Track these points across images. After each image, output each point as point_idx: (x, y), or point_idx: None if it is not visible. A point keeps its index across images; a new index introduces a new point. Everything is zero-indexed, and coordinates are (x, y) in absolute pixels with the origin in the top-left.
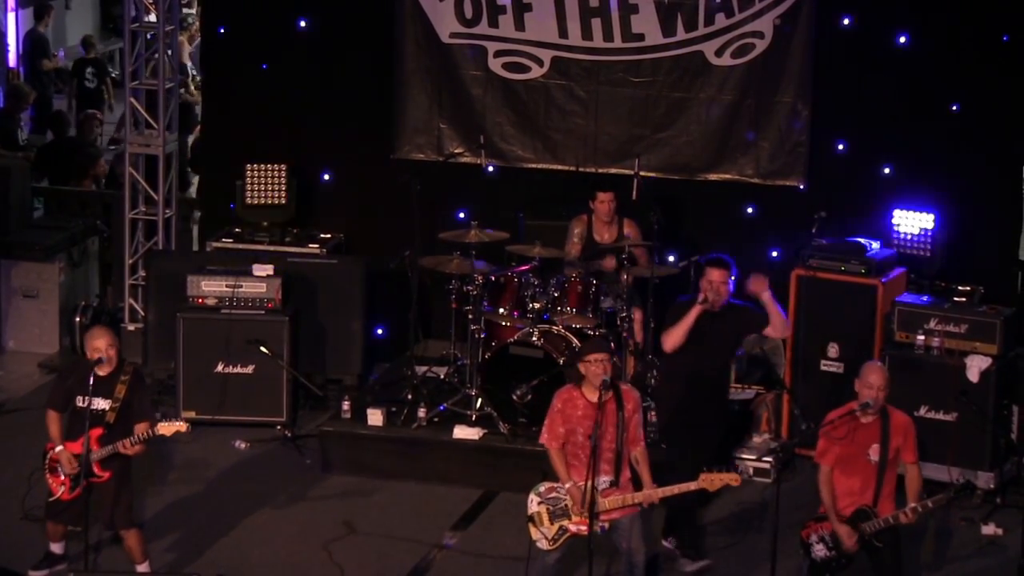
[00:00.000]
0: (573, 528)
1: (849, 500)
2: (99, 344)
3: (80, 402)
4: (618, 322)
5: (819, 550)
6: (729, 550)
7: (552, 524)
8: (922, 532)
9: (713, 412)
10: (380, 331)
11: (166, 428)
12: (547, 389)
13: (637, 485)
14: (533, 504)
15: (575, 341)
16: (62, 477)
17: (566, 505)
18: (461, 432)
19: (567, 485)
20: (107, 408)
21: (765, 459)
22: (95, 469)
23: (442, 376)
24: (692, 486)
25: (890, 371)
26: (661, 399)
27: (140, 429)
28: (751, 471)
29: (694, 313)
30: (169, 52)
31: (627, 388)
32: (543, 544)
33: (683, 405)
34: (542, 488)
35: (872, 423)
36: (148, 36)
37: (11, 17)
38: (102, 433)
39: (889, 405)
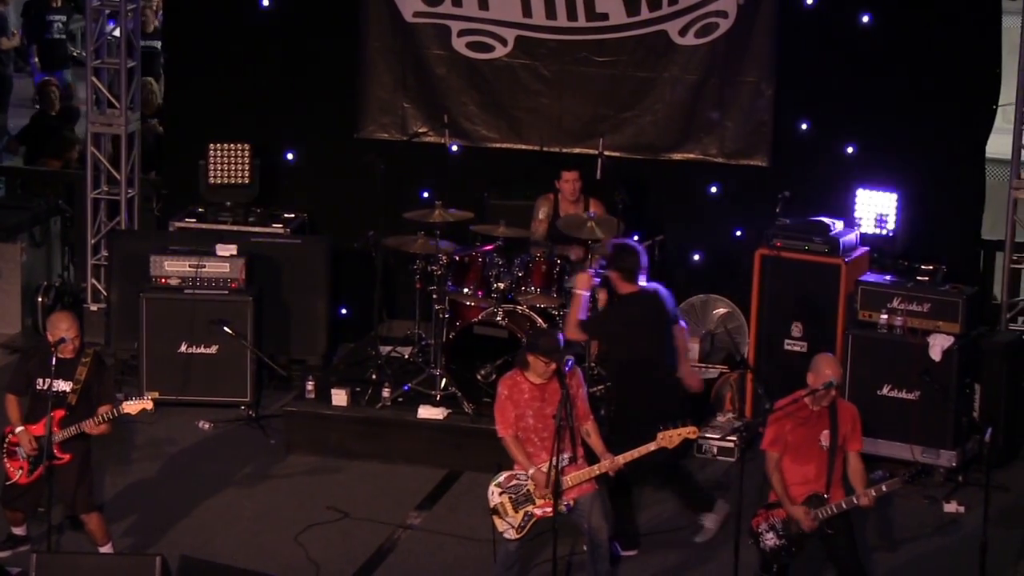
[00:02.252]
0: (539, 512)
1: (804, 488)
2: (61, 328)
3: (41, 384)
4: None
5: (769, 539)
6: (692, 530)
7: (517, 512)
8: (879, 512)
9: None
10: (344, 311)
11: (132, 407)
12: (511, 369)
13: (592, 460)
14: (495, 496)
15: (539, 321)
16: (20, 460)
17: (528, 491)
18: (426, 412)
19: (531, 472)
20: (68, 390)
21: (729, 438)
22: (56, 451)
23: (406, 356)
24: (651, 446)
25: (853, 350)
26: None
27: (103, 410)
28: (715, 450)
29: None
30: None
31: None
32: (511, 534)
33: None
34: (501, 478)
35: (821, 411)
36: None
37: None
38: (64, 415)
39: (838, 397)
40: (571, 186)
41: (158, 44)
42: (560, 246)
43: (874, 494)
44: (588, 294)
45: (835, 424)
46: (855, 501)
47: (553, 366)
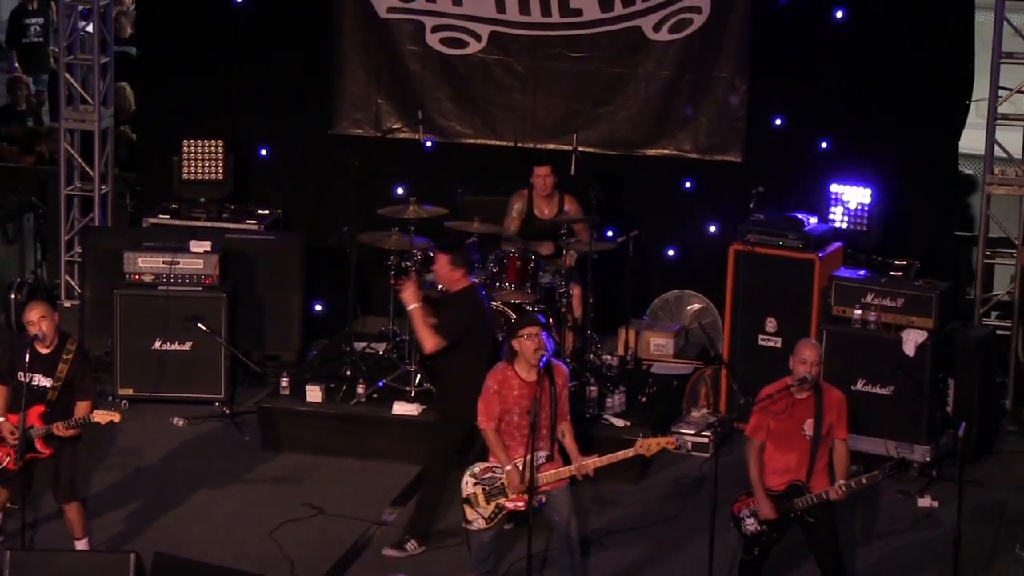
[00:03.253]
0: (510, 505)
1: (786, 476)
2: (32, 316)
3: (21, 377)
4: (557, 298)
5: (750, 524)
6: (668, 524)
7: (488, 503)
8: (853, 506)
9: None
10: (319, 307)
11: (101, 416)
12: (492, 360)
13: (567, 458)
14: (468, 485)
15: (514, 316)
16: (7, 448)
17: (502, 484)
18: (400, 408)
19: (507, 467)
20: (49, 386)
21: (704, 433)
22: (38, 446)
23: (381, 352)
24: (629, 452)
25: (827, 345)
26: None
27: (80, 410)
28: (690, 445)
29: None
30: (104, 26)
31: (556, 363)
32: (479, 524)
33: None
34: (477, 469)
35: (807, 399)
36: (81, 10)
37: None
38: (44, 411)
39: (824, 381)
40: (543, 181)
41: (133, 50)
42: (533, 242)
43: (845, 489)
44: (420, 305)
45: (820, 412)
46: (823, 496)
47: (537, 340)
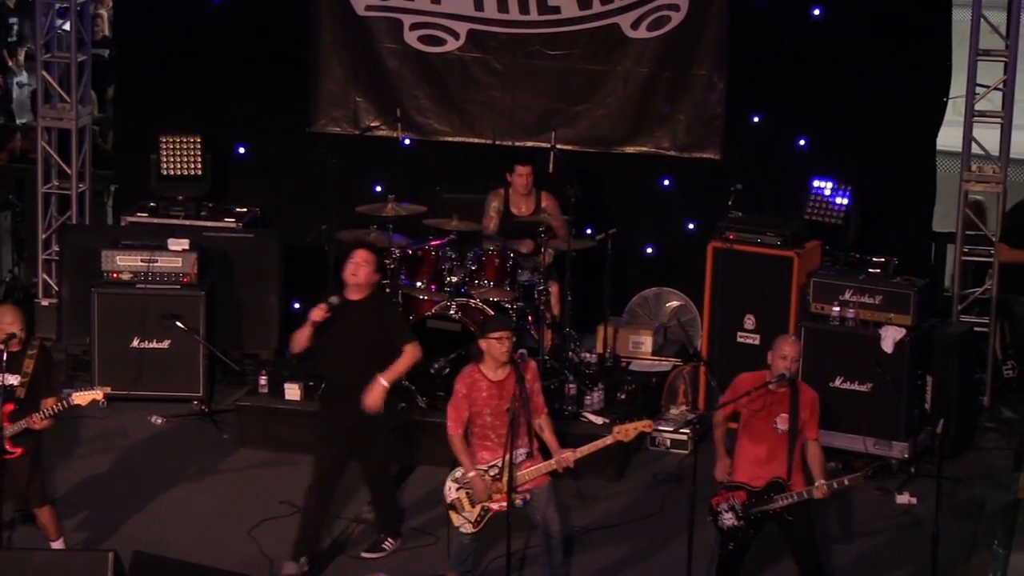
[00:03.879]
0: (495, 507)
1: (756, 469)
2: (4, 322)
3: None
4: (535, 295)
5: (727, 519)
6: (647, 522)
7: (474, 507)
8: (831, 504)
9: (362, 416)
10: (297, 305)
11: (82, 397)
12: (465, 363)
13: (547, 454)
14: (452, 491)
15: (492, 314)
16: None
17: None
18: None
19: (471, 474)
20: (16, 384)
21: (682, 431)
22: (7, 446)
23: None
24: (608, 440)
25: (805, 343)
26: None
27: (48, 404)
28: (668, 443)
29: (310, 324)
30: (81, 23)
31: (524, 359)
32: (467, 528)
33: (330, 409)
34: (459, 473)
35: (783, 394)
36: (58, 8)
37: None
38: (13, 409)
39: (801, 380)
40: (524, 180)
41: (106, 52)
42: (511, 240)
43: (827, 488)
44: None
45: (795, 408)
46: (805, 495)
47: (508, 344)
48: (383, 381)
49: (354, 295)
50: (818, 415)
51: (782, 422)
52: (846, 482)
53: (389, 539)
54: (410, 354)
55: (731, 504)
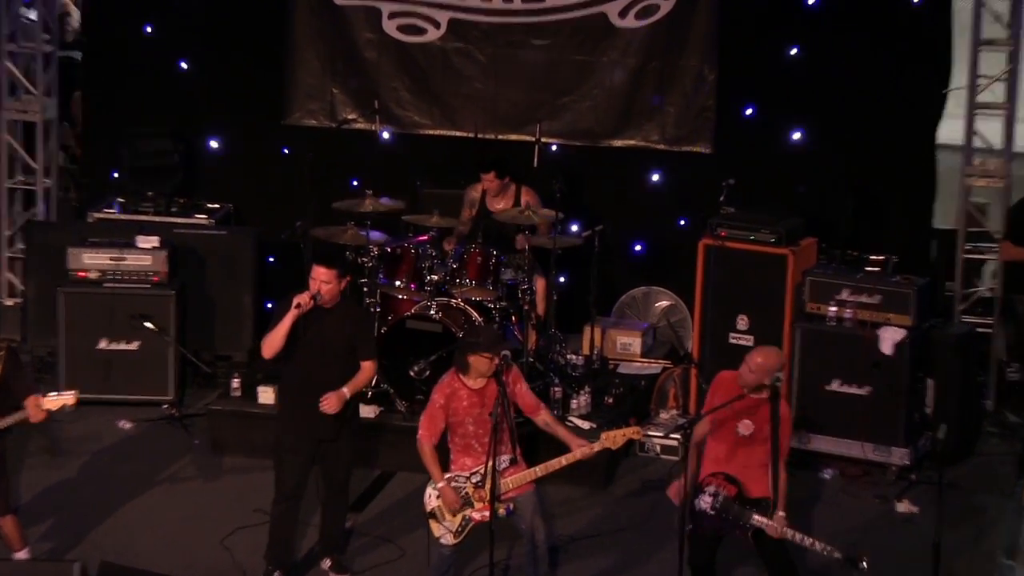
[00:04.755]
0: (477, 516)
1: (714, 467)
2: None
3: None
4: (519, 294)
5: (705, 500)
6: (636, 529)
7: (455, 516)
8: (829, 511)
9: (333, 424)
10: (271, 305)
11: (52, 402)
12: (446, 365)
13: (531, 460)
14: (432, 500)
15: (475, 315)
16: None
17: (467, 494)
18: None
19: (439, 484)
20: None
21: (673, 436)
22: None
23: None
24: (595, 447)
25: (801, 344)
26: (279, 417)
27: (31, 403)
28: (658, 448)
29: (289, 318)
30: (48, 13)
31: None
32: (448, 539)
33: (298, 417)
34: (440, 482)
35: (753, 400)
36: None
37: None
38: None
39: (782, 398)
40: (492, 184)
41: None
42: (485, 236)
43: (780, 531)
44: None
45: (775, 420)
46: (765, 523)
47: (498, 360)
48: (347, 392)
49: (324, 305)
50: (788, 436)
51: (744, 427)
52: (806, 542)
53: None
54: (370, 372)
55: (716, 491)
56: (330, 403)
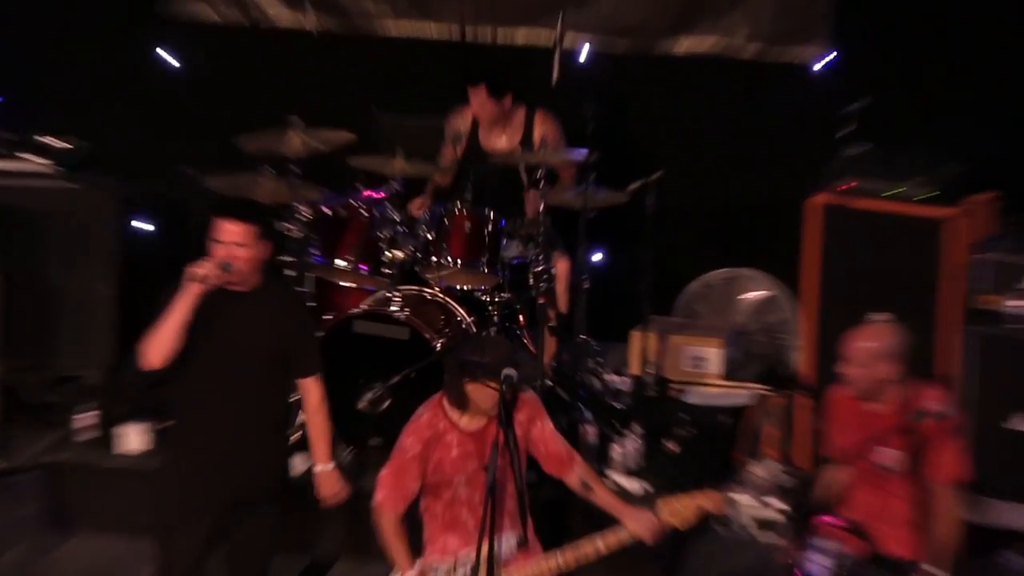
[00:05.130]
0: None
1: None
2: None
3: None
4: (530, 281)
5: (818, 564)
6: None
7: None
8: None
9: (252, 478)
10: (151, 299)
11: None
12: (416, 391)
13: (550, 542)
14: None
15: (460, 313)
16: None
17: None
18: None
19: (409, 574)
20: None
21: (773, 503)
22: None
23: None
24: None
25: (967, 354)
26: (162, 470)
27: None
28: (750, 524)
29: (188, 297)
30: None
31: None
32: None
33: (194, 469)
34: (408, 574)
35: (891, 407)
36: None
37: None
38: None
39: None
40: (482, 106)
41: None
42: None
43: None
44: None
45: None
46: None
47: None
48: (329, 466)
49: (235, 285)
50: (957, 448)
51: (888, 457)
52: None
53: None
54: (319, 396)
55: (837, 550)
56: (331, 491)
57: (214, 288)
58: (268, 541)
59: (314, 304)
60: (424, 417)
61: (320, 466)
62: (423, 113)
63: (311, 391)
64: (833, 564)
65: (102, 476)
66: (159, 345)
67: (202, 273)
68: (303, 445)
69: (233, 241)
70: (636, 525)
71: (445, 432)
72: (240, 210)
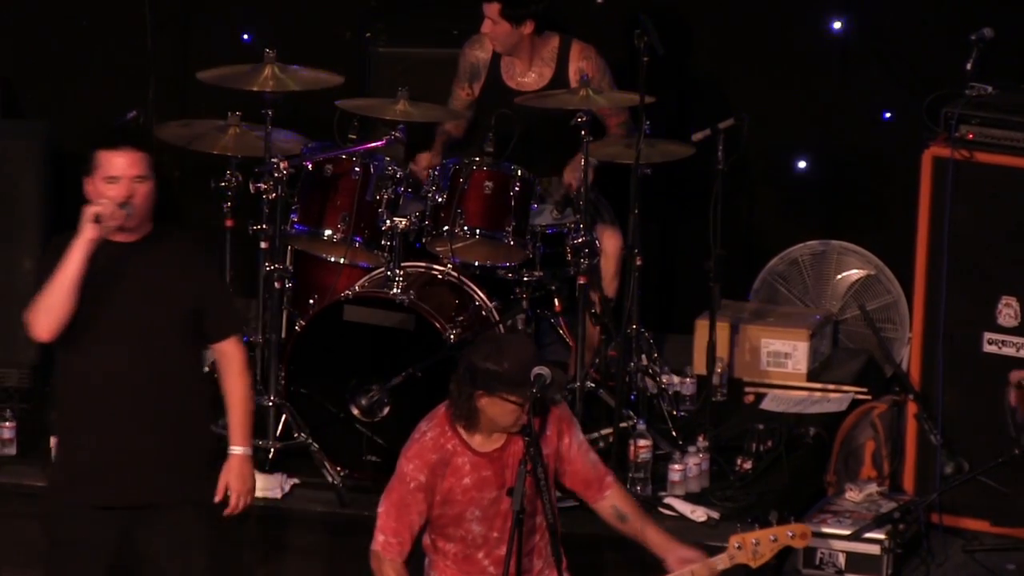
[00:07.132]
0: None
1: None
2: None
3: None
4: (568, 255)
5: None
6: None
7: None
8: None
9: (159, 477)
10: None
11: None
12: (422, 396)
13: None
14: None
15: (479, 297)
16: None
17: None
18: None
19: None
20: None
21: (872, 535)
22: None
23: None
24: (718, 563)
25: None
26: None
27: None
28: (842, 562)
29: (83, 244)
30: None
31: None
32: None
33: (83, 464)
34: None
35: None
36: None
37: None
38: None
39: None
40: (495, 33)
41: None
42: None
43: None
44: None
45: None
46: None
47: (525, 413)
48: (245, 450)
49: (123, 234)
50: None
51: None
52: None
53: None
54: (241, 360)
55: None
56: (241, 482)
57: (101, 239)
58: (193, 553)
59: (290, 284)
60: (428, 436)
61: (234, 448)
62: (428, 43)
63: (231, 357)
64: None
65: (30, 501)
66: (50, 310)
67: (102, 211)
68: (282, 462)
69: (130, 175)
70: (685, 567)
71: (455, 454)
72: (131, 136)
